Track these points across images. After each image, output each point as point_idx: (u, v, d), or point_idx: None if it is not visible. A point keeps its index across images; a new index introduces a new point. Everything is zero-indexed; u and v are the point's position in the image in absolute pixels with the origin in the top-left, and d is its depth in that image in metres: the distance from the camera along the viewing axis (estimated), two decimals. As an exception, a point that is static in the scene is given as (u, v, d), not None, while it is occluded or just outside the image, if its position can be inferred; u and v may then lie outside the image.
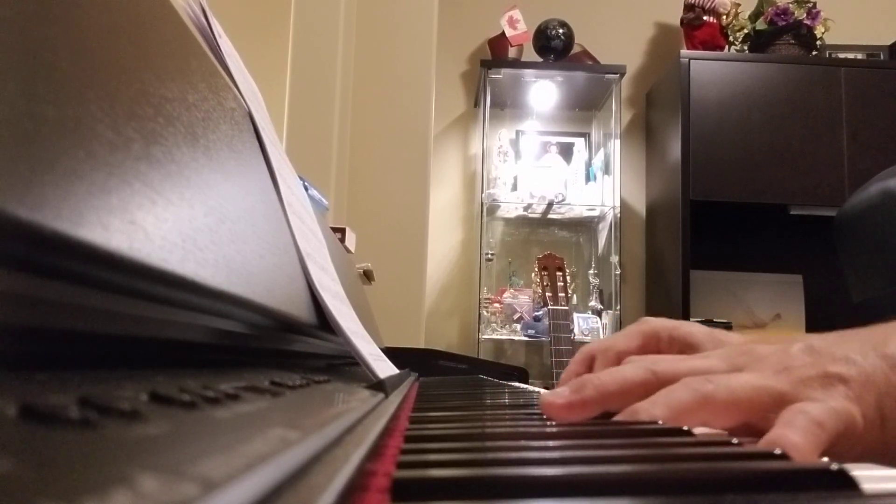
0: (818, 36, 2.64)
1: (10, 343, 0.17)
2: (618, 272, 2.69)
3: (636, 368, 0.41)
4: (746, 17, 2.70)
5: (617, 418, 0.38)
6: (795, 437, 0.31)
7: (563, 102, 2.90)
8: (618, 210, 2.71)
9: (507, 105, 2.92)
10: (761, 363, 0.38)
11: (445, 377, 1.23)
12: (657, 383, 0.39)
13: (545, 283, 1.97)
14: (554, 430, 0.36)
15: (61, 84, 0.17)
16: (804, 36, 2.63)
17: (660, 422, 0.35)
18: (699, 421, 0.36)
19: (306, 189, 0.90)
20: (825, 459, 0.24)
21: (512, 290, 2.71)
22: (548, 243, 2.83)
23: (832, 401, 0.34)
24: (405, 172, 2.01)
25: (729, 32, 2.70)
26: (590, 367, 0.53)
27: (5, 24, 0.15)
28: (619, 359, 0.49)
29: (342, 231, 1.39)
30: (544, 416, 0.40)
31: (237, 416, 0.19)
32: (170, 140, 0.24)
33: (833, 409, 0.33)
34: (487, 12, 2.89)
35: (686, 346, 0.50)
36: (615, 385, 0.40)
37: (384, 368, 0.63)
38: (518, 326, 2.63)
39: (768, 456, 0.25)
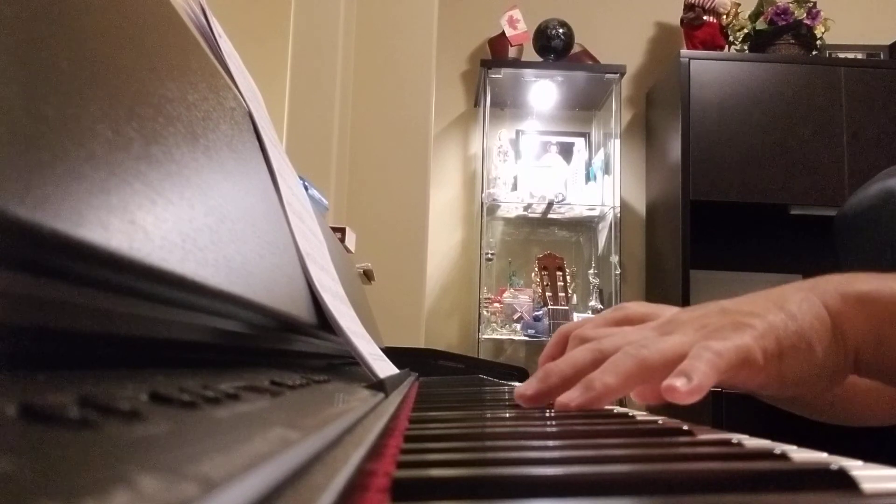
0: (818, 36, 2.64)
1: (10, 343, 0.17)
2: (618, 272, 2.69)
3: (585, 351, 0.48)
4: (746, 16, 2.70)
5: (573, 391, 0.44)
6: (699, 364, 0.39)
7: (563, 102, 2.90)
8: (618, 210, 2.71)
9: (507, 105, 2.92)
10: (685, 325, 0.45)
11: (445, 377, 1.23)
12: (603, 358, 0.45)
13: (545, 283, 1.97)
14: (554, 430, 0.36)
15: (61, 84, 0.17)
16: (804, 36, 2.63)
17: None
18: (640, 381, 0.43)
19: (306, 189, 0.90)
20: (825, 459, 0.24)
21: (512, 290, 2.71)
22: (548, 243, 2.83)
23: (737, 339, 0.42)
24: (405, 172, 2.01)
25: (729, 32, 2.70)
26: (564, 347, 0.58)
27: (5, 24, 0.15)
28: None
29: (342, 231, 1.39)
30: (521, 405, 0.46)
31: (237, 416, 0.19)
32: (170, 140, 0.24)
33: (733, 344, 0.41)
34: (487, 12, 2.89)
35: None
36: (571, 370, 0.46)
37: (384, 368, 0.63)
38: (518, 326, 2.63)
39: (768, 456, 0.25)
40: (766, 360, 0.43)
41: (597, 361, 0.45)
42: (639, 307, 0.57)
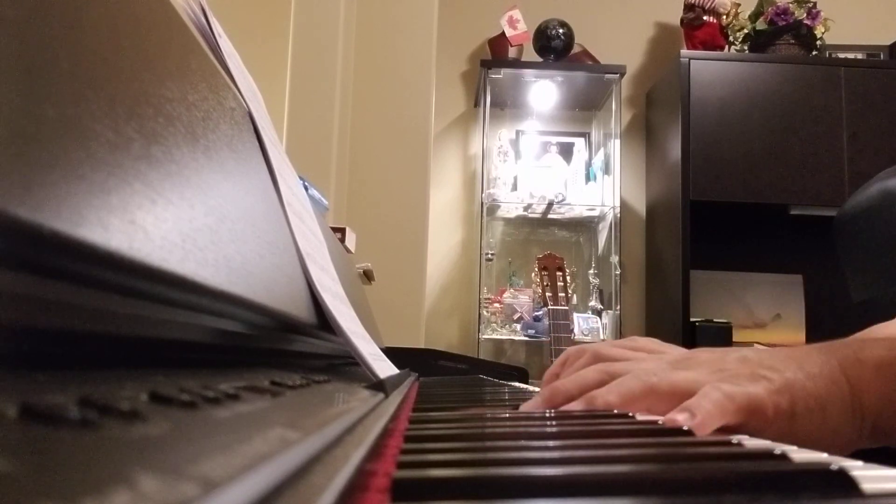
0: (818, 36, 2.64)
1: (10, 343, 0.17)
2: (618, 272, 2.69)
3: (594, 372, 0.48)
4: (746, 16, 2.70)
5: (574, 404, 0.45)
6: (706, 403, 0.38)
7: (563, 102, 2.90)
8: (618, 210, 2.71)
9: (507, 105, 2.92)
10: (701, 365, 0.45)
11: (445, 377, 1.23)
12: (608, 379, 0.46)
13: (545, 283, 1.97)
14: (554, 430, 0.36)
15: (61, 84, 0.17)
16: (804, 36, 2.63)
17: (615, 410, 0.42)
18: (645, 406, 0.43)
19: (306, 189, 0.90)
20: (825, 459, 0.24)
21: (512, 290, 2.71)
22: (548, 243, 2.83)
23: (750, 388, 0.41)
24: (405, 172, 2.01)
25: (729, 32, 2.70)
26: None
27: (5, 24, 0.15)
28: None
29: (342, 231, 1.39)
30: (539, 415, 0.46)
31: (237, 416, 0.19)
32: (170, 140, 0.24)
33: (744, 391, 0.41)
34: (487, 12, 2.89)
35: None
36: (577, 390, 0.47)
37: (384, 368, 0.63)
38: (518, 326, 2.63)
39: (768, 456, 0.25)
40: (777, 416, 0.42)
41: (604, 383, 0.46)
42: (649, 343, 0.57)
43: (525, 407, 0.49)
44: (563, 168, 2.78)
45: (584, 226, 2.91)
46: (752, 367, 0.44)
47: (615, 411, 0.44)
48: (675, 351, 0.55)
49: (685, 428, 0.36)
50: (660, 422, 0.38)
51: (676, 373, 0.44)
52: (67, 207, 0.15)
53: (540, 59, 2.76)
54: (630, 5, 3.01)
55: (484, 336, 2.62)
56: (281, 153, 0.56)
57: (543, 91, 2.85)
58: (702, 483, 0.20)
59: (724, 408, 0.39)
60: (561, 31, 2.71)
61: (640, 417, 0.41)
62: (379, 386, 0.45)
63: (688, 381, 0.43)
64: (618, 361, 0.50)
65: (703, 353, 0.47)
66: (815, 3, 2.64)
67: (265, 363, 0.42)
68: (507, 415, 0.46)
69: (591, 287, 2.75)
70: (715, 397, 0.39)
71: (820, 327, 2.60)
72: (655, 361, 0.48)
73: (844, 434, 0.45)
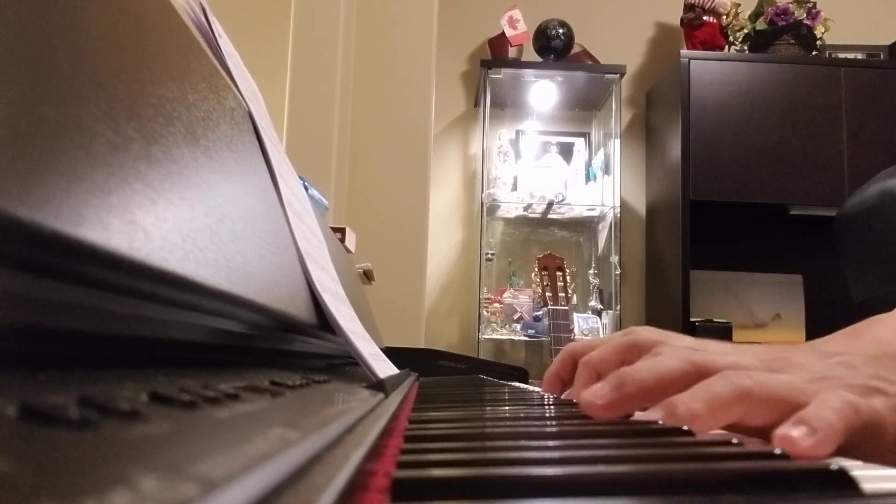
0: (818, 36, 2.64)
1: (10, 343, 0.17)
2: (618, 272, 2.69)
3: (676, 360, 0.40)
4: (746, 17, 2.70)
5: (649, 412, 0.37)
6: (828, 415, 0.30)
7: (563, 102, 2.90)
8: (618, 210, 2.71)
9: (507, 105, 2.92)
10: (800, 369, 0.37)
11: (445, 377, 1.23)
12: (697, 375, 0.38)
13: (545, 283, 1.97)
14: (554, 430, 0.36)
15: (61, 84, 0.17)
16: (804, 36, 2.63)
17: (696, 415, 0.34)
18: (736, 416, 0.35)
19: (306, 189, 0.90)
20: (825, 459, 0.24)
21: (512, 290, 2.71)
22: (548, 243, 2.83)
23: (874, 402, 0.34)
24: (405, 172, 2.01)
25: (729, 32, 2.70)
26: (573, 367, 0.53)
27: (5, 24, 0.15)
28: (597, 370, 0.49)
29: (342, 231, 1.39)
30: (584, 415, 0.39)
31: (237, 416, 0.19)
32: (170, 140, 0.24)
33: (856, 404, 0.32)
34: (487, 12, 2.89)
35: None
36: (654, 379, 0.39)
37: (384, 368, 0.63)
38: (518, 326, 2.63)
39: (768, 456, 0.25)
40: None
41: (688, 376, 0.38)
42: (649, 332, 0.50)
43: (588, 396, 0.39)
44: (563, 168, 2.78)
45: (584, 226, 2.91)
46: (861, 375, 0.36)
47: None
48: (674, 340, 0.48)
49: (804, 445, 0.29)
50: (659, 421, 0.35)
51: (775, 377, 0.36)
52: (67, 207, 0.15)
53: (540, 59, 2.76)
54: (630, 5, 3.01)
55: (484, 336, 2.63)
56: (281, 153, 0.56)
57: (543, 91, 2.85)
58: (702, 483, 0.20)
59: (850, 422, 0.31)
60: (561, 31, 2.71)
61: (639, 417, 0.40)
62: (379, 386, 0.45)
63: (790, 388, 0.35)
64: (698, 351, 0.41)
65: (798, 355, 0.40)
66: (815, 3, 2.64)
67: (265, 363, 0.42)
68: (507, 414, 0.46)
69: (591, 287, 2.75)
70: (839, 407, 0.32)
71: (820, 327, 2.59)
72: (744, 357, 0.40)
73: None
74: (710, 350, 0.42)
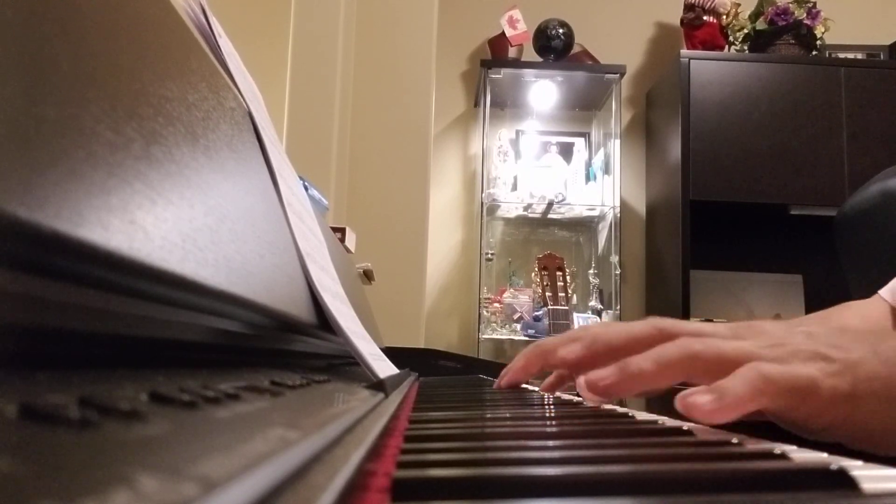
0: (818, 36, 2.64)
1: (10, 343, 0.17)
2: (618, 272, 2.69)
3: (643, 324, 0.44)
4: (746, 16, 2.70)
5: (606, 370, 0.41)
6: (738, 384, 0.35)
7: (563, 102, 2.90)
8: (618, 210, 2.71)
9: (507, 105, 2.92)
10: (761, 335, 0.41)
11: (445, 377, 1.23)
12: (661, 339, 0.42)
13: (545, 283, 1.97)
14: (554, 430, 0.36)
15: (61, 84, 0.17)
16: (804, 36, 2.63)
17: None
18: (683, 376, 0.39)
19: (306, 189, 0.90)
20: (825, 459, 0.24)
21: (512, 290, 2.71)
22: (548, 243, 2.83)
23: (802, 368, 0.37)
24: (405, 172, 2.00)
25: (729, 32, 2.70)
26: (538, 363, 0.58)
27: (5, 24, 0.15)
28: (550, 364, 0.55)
29: (342, 231, 1.39)
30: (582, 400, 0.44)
31: (237, 416, 0.19)
32: (170, 140, 0.24)
33: (790, 371, 0.36)
34: (487, 12, 2.89)
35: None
36: (622, 340, 0.44)
37: (384, 368, 0.63)
38: (518, 326, 2.63)
39: (768, 456, 0.25)
40: (833, 400, 0.37)
41: (651, 339, 0.43)
42: (652, 322, 0.52)
43: (593, 378, 0.42)
44: (563, 168, 2.78)
45: (584, 226, 2.91)
46: (816, 344, 0.39)
47: (616, 410, 0.44)
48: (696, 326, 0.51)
49: (706, 409, 0.33)
50: (684, 425, 0.36)
51: (726, 341, 0.40)
52: (67, 207, 0.15)
53: (540, 59, 2.76)
54: (630, 5, 3.01)
55: (484, 336, 2.62)
56: (281, 153, 0.56)
57: (543, 91, 2.85)
58: (702, 483, 0.20)
59: (760, 390, 0.35)
60: (561, 31, 2.71)
61: (640, 417, 0.41)
62: (379, 386, 0.45)
63: (737, 351, 0.38)
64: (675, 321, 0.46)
65: (768, 324, 0.43)
66: (815, 3, 2.64)
67: (265, 363, 0.42)
68: (507, 414, 0.46)
69: (591, 287, 2.75)
70: (750, 377, 0.35)
71: (820, 327, 2.59)
72: (713, 327, 0.44)
73: None
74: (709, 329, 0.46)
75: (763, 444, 0.28)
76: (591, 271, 2.77)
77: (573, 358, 0.44)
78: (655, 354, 0.40)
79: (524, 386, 0.98)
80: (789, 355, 0.38)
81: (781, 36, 2.63)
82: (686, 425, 0.35)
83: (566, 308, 1.94)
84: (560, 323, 1.89)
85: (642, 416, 0.41)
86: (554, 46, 2.71)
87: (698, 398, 0.34)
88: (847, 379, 0.38)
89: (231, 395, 0.22)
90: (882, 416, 0.38)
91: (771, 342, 0.40)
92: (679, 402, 0.35)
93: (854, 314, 0.52)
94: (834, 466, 0.21)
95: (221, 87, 0.39)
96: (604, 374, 0.41)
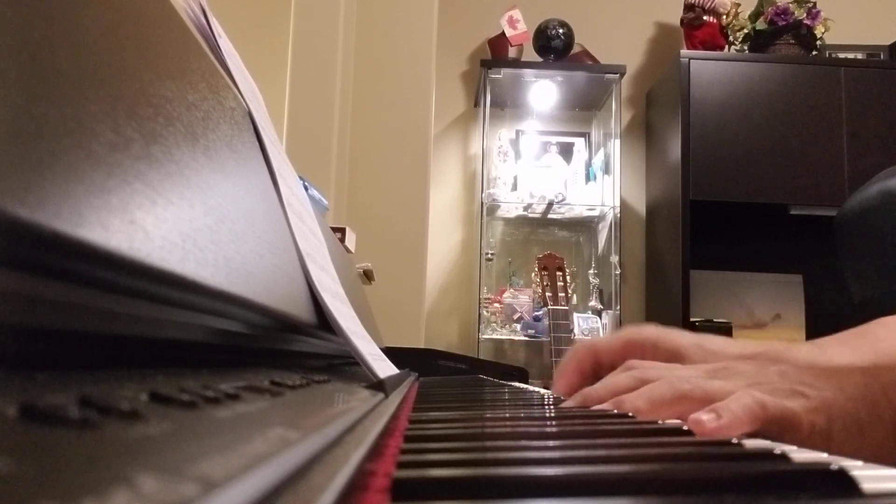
0: (818, 36, 2.64)
1: (10, 343, 0.17)
2: (618, 272, 2.69)
3: (627, 378, 0.48)
4: (746, 16, 2.70)
5: (603, 406, 0.45)
6: (735, 407, 0.38)
7: (562, 102, 2.90)
8: (618, 210, 2.71)
9: (507, 105, 2.92)
10: (738, 376, 0.44)
11: (445, 377, 1.23)
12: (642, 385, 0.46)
13: (545, 283, 1.97)
14: (554, 430, 0.36)
15: (61, 84, 0.17)
16: (804, 36, 2.63)
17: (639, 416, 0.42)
18: (675, 414, 0.42)
19: (306, 189, 0.90)
20: (825, 459, 0.24)
21: (512, 290, 2.71)
22: (548, 243, 2.83)
23: (786, 401, 0.40)
24: (405, 172, 2.00)
25: (729, 32, 2.70)
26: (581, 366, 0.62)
27: (5, 24, 0.15)
28: (598, 361, 0.59)
29: (342, 231, 1.39)
30: (546, 415, 0.47)
31: (237, 416, 0.19)
32: (170, 140, 0.24)
33: (779, 402, 0.40)
34: (487, 12, 2.88)
35: (671, 356, 0.56)
36: (610, 395, 0.47)
37: (384, 368, 0.63)
38: (518, 326, 2.63)
39: (768, 456, 0.25)
40: (812, 435, 0.41)
41: (634, 389, 0.46)
42: (651, 331, 0.58)
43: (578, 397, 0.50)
44: (563, 168, 2.78)
45: (584, 226, 2.91)
46: (791, 382, 0.43)
47: (615, 411, 0.44)
48: (712, 345, 0.54)
49: (709, 427, 0.36)
50: (684, 425, 0.37)
51: (710, 382, 0.43)
52: (67, 207, 0.15)
53: (540, 59, 2.76)
54: (630, 5, 3.01)
55: (484, 336, 2.62)
56: (281, 153, 0.56)
57: (543, 91, 2.85)
58: (702, 483, 0.20)
59: (754, 414, 0.39)
60: (561, 31, 2.71)
61: (639, 417, 0.41)
62: (379, 386, 0.45)
63: (722, 390, 0.42)
64: (654, 366, 0.50)
65: (741, 365, 0.47)
66: (815, 3, 2.64)
67: (265, 363, 0.42)
68: (507, 414, 0.46)
69: (591, 287, 2.75)
70: (745, 402, 0.39)
71: (820, 327, 2.59)
72: (691, 370, 0.48)
73: (885, 460, 0.42)
74: (698, 352, 0.51)
75: (763, 444, 0.28)
76: (591, 271, 2.77)
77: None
78: (648, 393, 0.44)
79: (523, 386, 0.98)
80: (770, 392, 0.41)
81: (781, 36, 2.63)
82: (686, 425, 0.35)
83: (566, 308, 1.93)
84: (560, 323, 1.89)
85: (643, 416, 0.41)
86: (554, 46, 2.71)
87: (701, 416, 0.37)
88: (823, 416, 0.41)
89: (231, 395, 0.22)
90: (851, 451, 0.40)
91: (749, 381, 0.43)
92: (689, 422, 0.37)
93: (889, 331, 0.55)
94: (834, 466, 0.21)
95: (221, 87, 0.39)
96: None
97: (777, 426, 0.40)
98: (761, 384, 0.43)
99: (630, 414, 0.42)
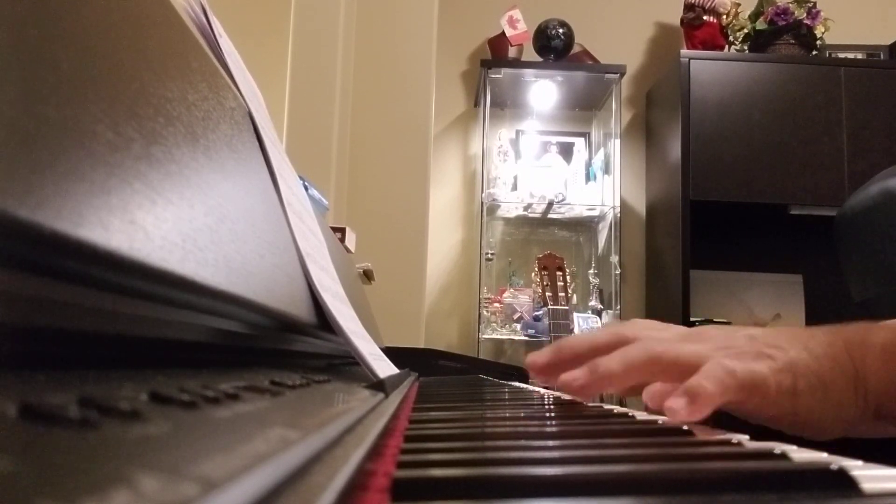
0: (818, 36, 2.64)
1: (10, 343, 0.17)
2: (618, 272, 2.69)
3: (605, 334, 0.49)
4: (746, 16, 2.70)
5: (578, 371, 0.46)
6: (707, 384, 0.39)
7: (562, 102, 2.90)
8: (618, 210, 2.71)
9: (507, 105, 2.92)
10: (709, 341, 0.46)
11: (445, 377, 1.23)
12: (621, 343, 0.47)
13: (545, 283, 1.97)
14: (554, 429, 0.36)
15: (61, 84, 0.17)
16: (804, 36, 2.63)
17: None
18: (647, 375, 0.44)
19: (306, 189, 0.90)
20: (825, 459, 0.24)
21: (512, 290, 2.71)
22: (548, 243, 2.83)
23: (754, 365, 0.42)
24: (405, 172, 2.00)
25: (729, 32, 2.70)
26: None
27: (5, 24, 0.15)
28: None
29: (342, 231, 1.39)
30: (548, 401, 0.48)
31: (237, 416, 0.19)
32: (170, 140, 0.24)
33: (747, 367, 0.42)
34: (487, 12, 2.88)
35: None
36: (586, 347, 0.48)
37: (384, 368, 0.63)
38: (518, 326, 2.63)
39: (768, 456, 0.25)
40: (779, 394, 0.43)
41: (611, 346, 0.47)
42: (651, 324, 0.59)
43: (532, 357, 0.50)
44: (563, 168, 2.78)
45: (584, 226, 2.91)
46: (759, 345, 0.45)
47: (615, 410, 0.44)
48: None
49: (683, 413, 0.37)
50: (659, 421, 0.37)
51: (683, 345, 0.45)
52: (67, 207, 0.15)
53: (540, 59, 2.76)
54: (630, 5, 3.01)
55: (484, 336, 2.62)
56: (281, 153, 0.56)
57: (543, 91, 2.85)
58: (702, 483, 0.20)
59: (726, 385, 0.40)
60: (561, 30, 2.71)
61: (639, 417, 0.41)
62: (379, 386, 0.45)
63: (693, 354, 0.43)
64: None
65: (712, 330, 0.48)
66: (815, 3, 2.64)
67: (265, 363, 0.42)
68: (507, 414, 0.46)
69: (591, 287, 2.75)
70: (717, 375, 0.40)
71: (820, 327, 2.59)
72: (665, 332, 0.49)
73: (847, 414, 0.45)
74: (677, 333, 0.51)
75: (763, 443, 0.28)
76: (591, 271, 2.77)
77: (542, 363, 0.49)
78: (620, 355, 0.45)
79: (523, 386, 0.98)
80: (738, 356, 0.43)
81: (781, 36, 2.63)
82: (685, 425, 0.35)
83: (566, 308, 1.93)
84: (560, 323, 1.89)
85: (642, 416, 0.41)
86: (554, 46, 2.71)
87: (674, 403, 0.39)
88: (789, 376, 0.43)
89: (231, 395, 0.22)
90: (817, 406, 0.44)
91: (719, 345, 0.45)
92: (665, 410, 0.39)
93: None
94: (834, 466, 0.21)
95: (221, 87, 0.39)
96: (576, 374, 0.46)
97: (746, 390, 0.41)
98: (730, 347, 0.45)
99: (627, 408, 0.43)
